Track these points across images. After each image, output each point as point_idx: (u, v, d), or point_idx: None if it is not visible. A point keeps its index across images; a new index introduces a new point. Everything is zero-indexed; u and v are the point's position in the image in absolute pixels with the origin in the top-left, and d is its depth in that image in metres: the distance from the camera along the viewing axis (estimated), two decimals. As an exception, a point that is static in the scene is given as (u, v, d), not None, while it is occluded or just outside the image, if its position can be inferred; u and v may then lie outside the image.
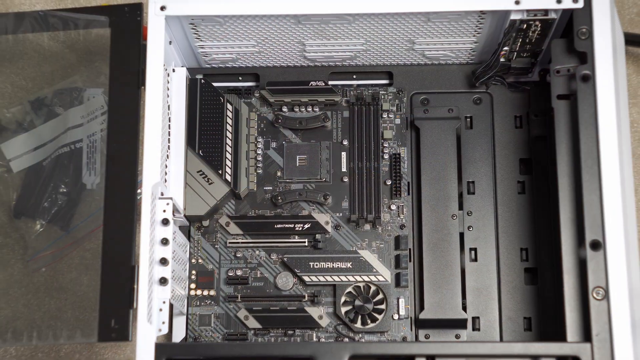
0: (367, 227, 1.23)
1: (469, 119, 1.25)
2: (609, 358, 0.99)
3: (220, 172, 1.20)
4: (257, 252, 1.23)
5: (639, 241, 1.30)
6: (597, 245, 1.02)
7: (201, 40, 1.21)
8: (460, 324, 1.18)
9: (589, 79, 1.06)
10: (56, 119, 1.29)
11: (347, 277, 1.20)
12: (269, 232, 1.22)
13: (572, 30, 1.08)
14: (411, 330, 1.20)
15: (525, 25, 1.12)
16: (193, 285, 1.22)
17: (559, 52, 1.10)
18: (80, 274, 1.21)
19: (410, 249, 1.22)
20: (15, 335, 1.17)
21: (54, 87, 1.31)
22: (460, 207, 1.22)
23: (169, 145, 1.16)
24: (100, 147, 1.26)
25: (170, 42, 1.16)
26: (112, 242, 1.06)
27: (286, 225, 1.22)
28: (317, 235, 1.22)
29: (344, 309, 1.20)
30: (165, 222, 1.08)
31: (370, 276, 1.20)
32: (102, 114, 1.28)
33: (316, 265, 1.20)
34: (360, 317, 1.19)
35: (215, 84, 1.24)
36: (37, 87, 1.31)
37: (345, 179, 1.24)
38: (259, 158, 1.25)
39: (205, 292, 1.22)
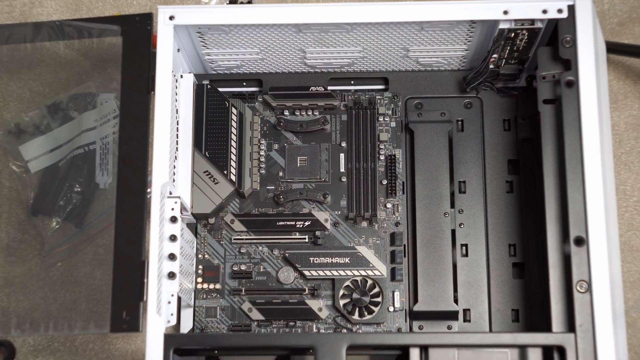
0: (364, 224, 1.23)
1: (460, 122, 1.26)
2: (592, 347, 0.99)
3: (225, 172, 1.20)
4: (260, 248, 1.23)
5: (619, 237, 1.31)
6: (580, 241, 1.03)
7: (207, 48, 1.21)
8: (452, 315, 1.19)
9: (573, 84, 1.07)
10: (71, 123, 1.29)
11: (345, 271, 1.20)
12: (272, 229, 1.22)
13: (557, 38, 1.09)
14: (405, 321, 1.20)
15: (513, 34, 1.13)
16: (200, 279, 1.22)
17: (544, 59, 1.11)
18: (94, 269, 1.21)
19: (404, 245, 1.22)
20: (33, 326, 1.17)
21: (69, 93, 1.31)
22: (452, 205, 1.22)
23: (177, 147, 1.16)
24: (113, 148, 1.26)
25: (178, 50, 1.17)
26: (124, 238, 1.07)
27: (288, 223, 1.22)
28: (316, 232, 1.22)
29: (342, 302, 1.20)
30: (173, 219, 1.08)
31: (367, 271, 1.20)
32: (114, 117, 1.28)
33: (316, 260, 1.21)
34: (357, 309, 1.20)
35: (220, 89, 1.25)
36: (53, 93, 1.31)
37: (344, 179, 1.25)
38: (262, 159, 1.25)
39: (211, 286, 1.22)
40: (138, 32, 1.14)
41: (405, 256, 1.22)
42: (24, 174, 1.28)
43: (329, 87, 1.26)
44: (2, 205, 1.27)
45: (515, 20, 1.11)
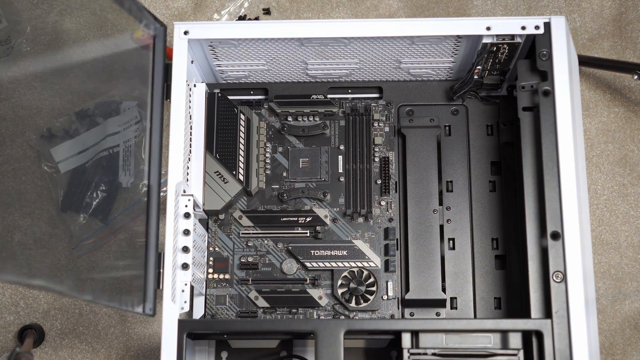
0: (361, 220, 1.22)
1: (447, 128, 1.24)
2: (567, 332, 0.99)
3: (234, 172, 1.19)
4: (265, 241, 1.22)
5: (591, 232, 1.30)
6: (556, 236, 1.02)
7: (218, 60, 1.20)
8: (440, 303, 1.17)
9: (549, 94, 1.06)
10: (97, 128, 1.29)
11: (343, 263, 1.19)
12: (276, 224, 1.21)
13: (534, 52, 1.08)
14: (398, 309, 1.19)
15: (495, 48, 1.12)
16: (210, 270, 1.21)
17: (523, 71, 1.10)
18: (116, 260, 1.20)
19: (397, 239, 1.21)
20: (61, 311, 1.17)
21: (95, 101, 1.31)
22: (440, 203, 1.21)
23: (190, 149, 1.15)
24: (134, 151, 1.26)
25: (192, 62, 1.16)
26: (143, 232, 1.06)
27: (291, 219, 1.21)
28: (317, 227, 1.21)
29: (340, 291, 1.19)
30: (187, 215, 1.07)
31: (363, 262, 1.19)
32: (135, 123, 1.27)
33: (316, 253, 1.19)
34: (354, 297, 1.18)
35: (230, 97, 1.24)
36: (81, 101, 1.31)
37: (342, 179, 1.23)
38: (268, 161, 1.24)
39: (221, 276, 1.21)
40: (156, 46, 1.13)
41: (397, 249, 1.20)
42: (55, 174, 1.28)
43: (329, 96, 1.25)
44: (35, 202, 1.27)
45: (497, 36, 1.10)
